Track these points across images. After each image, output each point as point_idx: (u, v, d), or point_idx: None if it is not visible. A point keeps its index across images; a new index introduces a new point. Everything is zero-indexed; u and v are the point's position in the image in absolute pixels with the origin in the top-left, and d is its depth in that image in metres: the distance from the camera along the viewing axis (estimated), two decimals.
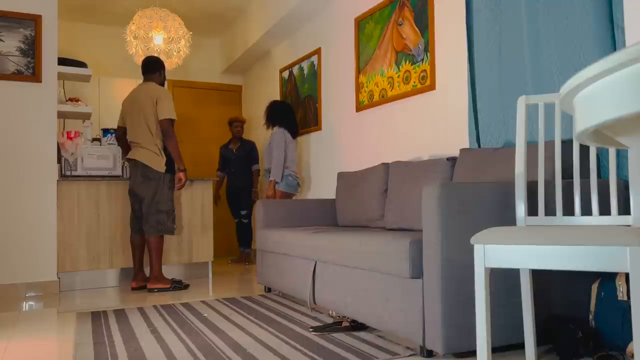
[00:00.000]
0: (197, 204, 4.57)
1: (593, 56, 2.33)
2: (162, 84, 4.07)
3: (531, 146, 2.36)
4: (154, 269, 3.85)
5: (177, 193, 4.45)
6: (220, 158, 5.85)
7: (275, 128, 4.71)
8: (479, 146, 2.96)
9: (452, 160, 2.87)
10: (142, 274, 3.99)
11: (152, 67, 4.02)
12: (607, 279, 2.06)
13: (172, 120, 3.85)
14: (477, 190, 1.97)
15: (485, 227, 1.97)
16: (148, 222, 3.84)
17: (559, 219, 1.87)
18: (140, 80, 6.28)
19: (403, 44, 3.69)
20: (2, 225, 3.79)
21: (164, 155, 3.87)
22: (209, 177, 5.11)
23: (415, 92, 3.55)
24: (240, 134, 5.80)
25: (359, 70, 4.24)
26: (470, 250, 1.95)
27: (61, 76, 4.55)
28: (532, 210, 2.05)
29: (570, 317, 2.06)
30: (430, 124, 3.46)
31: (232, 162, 5.70)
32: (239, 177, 5.66)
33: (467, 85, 3.06)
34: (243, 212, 5.68)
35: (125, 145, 4.11)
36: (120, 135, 4.12)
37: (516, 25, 2.76)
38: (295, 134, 4.74)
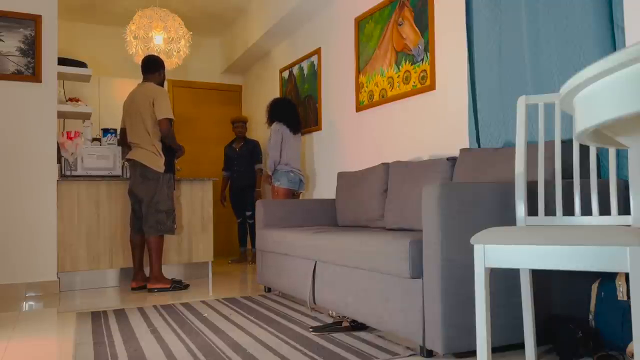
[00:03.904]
0: (197, 204, 4.57)
1: (593, 56, 2.33)
2: (162, 84, 4.06)
3: (531, 146, 2.36)
4: (154, 269, 3.85)
5: (177, 193, 4.45)
6: (224, 158, 5.86)
7: (272, 124, 4.72)
8: (479, 146, 2.96)
9: (452, 160, 2.87)
10: (142, 274, 3.99)
11: (151, 67, 4.02)
12: (607, 279, 2.06)
13: (170, 120, 3.85)
14: (477, 190, 1.98)
15: (485, 227, 1.97)
16: (147, 222, 3.84)
17: (559, 219, 1.87)
18: (140, 80, 6.31)
19: (403, 44, 3.69)
20: (2, 225, 3.79)
21: (162, 155, 3.87)
22: (209, 177, 5.11)
23: (415, 92, 3.55)
24: (243, 134, 5.81)
25: (359, 70, 4.24)
26: (470, 250, 1.95)
27: (61, 76, 4.55)
28: (532, 210, 2.05)
29: (570, 317, 2.06)
30: (430, 124, 3.46)
31: (236, 161, 5.71)
32: (242, 176, 5.67)
33: (467, 85, 3.06)
34: (248, 213, 5.69)
35: (127, 146, 4.11)
36: (123, 136, 4.13)
37: (516, 25, 2.76)
38: (296, 130, 4.73)
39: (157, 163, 3.84)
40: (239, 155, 5.71)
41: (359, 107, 4.22)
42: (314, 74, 4.98)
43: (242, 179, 5.67)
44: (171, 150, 3.97)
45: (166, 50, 4.90)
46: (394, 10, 3.79)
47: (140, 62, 4.90)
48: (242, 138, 5.81)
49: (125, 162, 4.30)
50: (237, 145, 5.78)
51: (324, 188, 4.85)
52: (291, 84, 5.46)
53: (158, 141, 3.88)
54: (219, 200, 5.98)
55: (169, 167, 3.93)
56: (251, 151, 5.72)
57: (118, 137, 4.37)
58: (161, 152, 3.88)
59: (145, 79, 4.03)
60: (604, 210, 2.06)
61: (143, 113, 3.84)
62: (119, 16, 6.06)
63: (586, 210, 2.10)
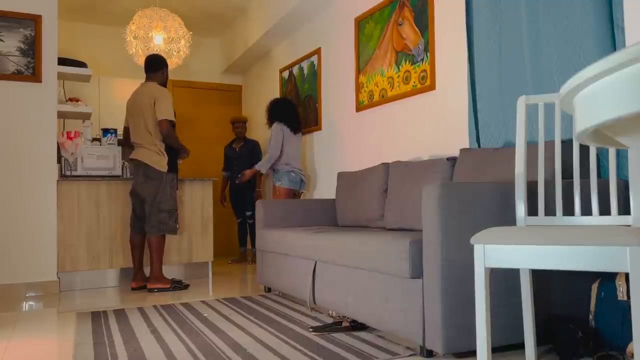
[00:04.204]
0: (197, 204, 4.57)
1: (593, 56, 2.33)
2: (165, 83, 4.05)
3: (531, 146, 2.36)
4: (154, 269, 3.85)
5: (179, 192, 4.45)
6: (224, 158, 5.86)
7: (273, 124, 4.72)
8: (479, 146, 2.96)
9: (452, 160, 2.87)
10: (142, 274, 3.99)
11: (154, 66, 4.00)
12: (607, 279, 2.06)
13: (170, 122, 3.83)
14: (477, 190, 1.97)
15: (485, 227, 1.97)
16: (150, 222, 3.84)
17: (559, 219, 1.87)
18: (142, 80, 6.30)
19: (403, 44, 3.69)
20: (2, 225, 3.79)
21: (165, 155, 3.87)
22: (209, 177, 5.11)
23: (415, 92, 3.55)
24: (243, 134, 5.81)
25: (359, 70, 4.24)
26: (470, 250, 1.95)
27: (61, 76, 4.55)
28: (532, 210, 2.05)
29: (570, 317, 2.06)
30: (430, 124, 3.46)
31: (236, 162, 5.71)
32: None
33: (467, 85, 3.06)
34: (248, 213, 5.69)
35: (129, 146, 4.10)
36: (126, 135, 4.12)
37: (516, 25, 2.76)
38: (296, 129, 4.73)
39: (160, 163, 3.84)
40: (239, 155, 5.71)
41: (359, 107, 4.22)
42: (314, 74, 4.98)
43: None
44: (174, 150, 3.97)
45: (166, 50, 4.90)
46: (394, 10, 3.79)
47: (140, 63, 4.92)
48: (242, 138, 5.80)
49: (127, 162, 4.31)
50: (237, 146, 5.77)
51: (324, 188, 4.85)
52: (291, 84, 5.46)
53: (160, 141, 3.87)
54: (219, 200, 5.97)
55: (172, 166, 3.92)
56: (251, 151, 5.71)
57: (120, 136, 4.37)
58: (164, 152, 3.88)
59: (148, 78, 4.02)
60: (604, 210, 2.06)
61: (145, 113, 3.84)
62: (119, 16, 6.06)
63: (586, 210, 2.10)
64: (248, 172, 5.03)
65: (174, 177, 3.95)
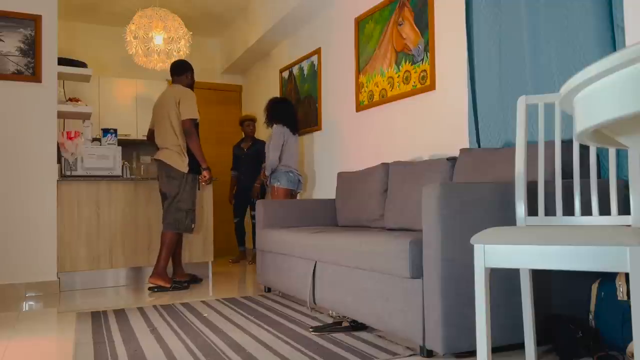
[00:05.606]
0: (197, 204, 4.56)
1: (593, 56, 2.33)
2: (190, 86, 4.17)
3: (531, 146, 2.36)
4: (159, 265, 3.89)
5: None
6: (233, 157, 5.87)
7: (274, 126, 4.69)
8: (479, 146, 2.96)
9: (452, 160, 2.87)
10: (180, 270, 4.14)
11: (178, 70, 4.15)
12: (607, 279, 2.06)
13: (193, 120, 3.93)
14: (477, 190, 1.98)
15: (485, 227, 1.97)
16: (166, 219, 3.94)
17: (559, 219, 1.87)
18: (143, 81, 6.32)
19: (403, 44, 3.69)
20: (2, 225, 3.79)
21: (186, 156, 3.95)
22: None
23: (415, 92, 3.55)
24: (253, 133, 5.81)
25: (359, 70, 4.24)
26: (470, 250, 1.95)
27: (61, 76, 4.54)
28: (532, 210, 2.05)
29: (570, 317, 2.06)
30: (430, 124, 3.46)
31: (242, 161, 5.70)
32: (248, 177, 5.65)
33: (467, 85, 3.06)
34: (253, 212, 5.68)
35: (155, 146, 4.18)
36: (149, 137, 4.28)
37: (516, 25, 2.76)
38: (295, 130, 4.72)
39: (181, 163, 3.92)
40: (246, 155, 5.70)
41: (359, 107, 4.22)
42: (314, 74, 4.98)
43: (248, 179, 5.64)
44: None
45: (166, 50, 4.89)
46: (394, 11, 3.79)
47: (140, 63, 4.95)
48: (251, 137, 5.79)
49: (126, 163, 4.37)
50: (245, 145, 5.76)
51: (324, 188, 4.85)
52: (291, 84, 5.46)
53: (184, 141, 3.97)
54: (228, 199, 5.98)
55: (193, 167, 3.97)
56: (258, 152, 5.66)
57: (121, 136, 4.40)
58: (185, 153, 3.95)
59: (173, 82, 4.15)
60: (604, 210, 2.06)
61: (170, 113, 3.94)
62: (119, 16, 6.06)
63: (586, 210, 2.10)
64: (257, 187, 5.24)
65: (195, 178, 4.02)
